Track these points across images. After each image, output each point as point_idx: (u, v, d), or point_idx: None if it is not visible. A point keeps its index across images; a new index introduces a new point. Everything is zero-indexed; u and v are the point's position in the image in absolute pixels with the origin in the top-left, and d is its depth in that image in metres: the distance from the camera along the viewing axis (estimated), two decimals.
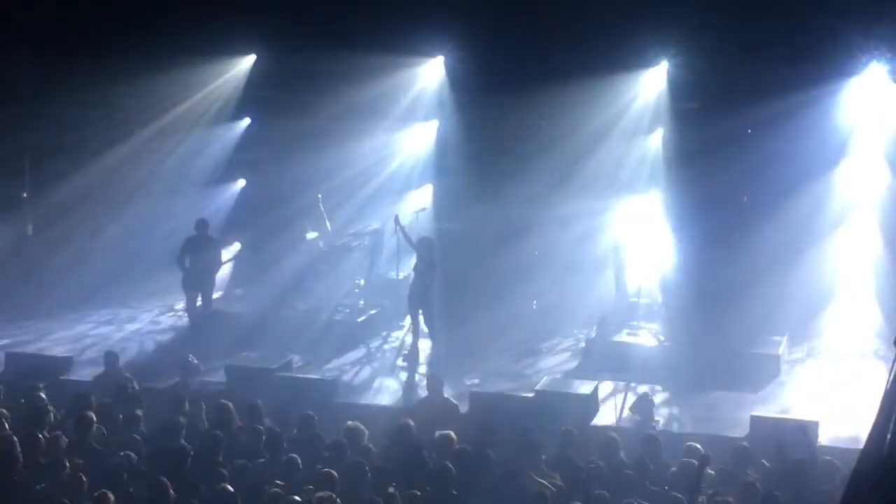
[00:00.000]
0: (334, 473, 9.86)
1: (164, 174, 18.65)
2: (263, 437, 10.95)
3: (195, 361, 14.79)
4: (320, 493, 9.26)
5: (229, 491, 9.54)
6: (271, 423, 11.50)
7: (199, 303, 16.46)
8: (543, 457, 10.79)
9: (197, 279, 16.14)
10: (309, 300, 16.76)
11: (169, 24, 17.12)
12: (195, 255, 16.03)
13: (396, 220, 16.19)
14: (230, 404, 11.78)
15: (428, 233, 16.58)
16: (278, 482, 9.96)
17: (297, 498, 9.46)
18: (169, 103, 18.21)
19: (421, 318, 15.63)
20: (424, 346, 15.74)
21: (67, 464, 10.09)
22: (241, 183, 18.93)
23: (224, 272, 17.28)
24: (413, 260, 15.94)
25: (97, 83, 17.49)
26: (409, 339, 15.99)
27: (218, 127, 18.75)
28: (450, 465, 10.15)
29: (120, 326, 17.22)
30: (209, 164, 18.81)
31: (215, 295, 16.96)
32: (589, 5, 15.82)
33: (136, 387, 12.89)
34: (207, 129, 18.70)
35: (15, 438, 10.50)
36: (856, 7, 14.97)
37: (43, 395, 12.12)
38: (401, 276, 17.19)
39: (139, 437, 11.10)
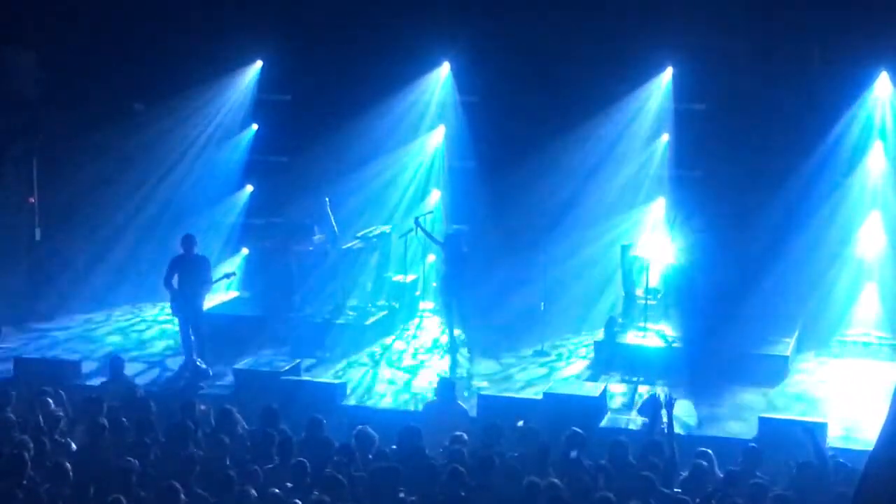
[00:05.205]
0: (342, 478, 9.87)
1: (175, 182, 18.63)
2: (276, 441, 10.95)
3: (203, 366, 14.81)
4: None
5: (238, 495, 9.54)
6: (285, 427, 11.50)
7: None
8: (551, 459, 10.79)
9: (185, 303, 15.01)
10: (317, 303, 16.76)
11: (176, 30, 17.26)
12: (183, 274, 14.99)
13: (417, 221, 16.27)
14: (233, 409, 11.80)
15: (437, 235, 16.70)
16: (288, 485, 9.98)
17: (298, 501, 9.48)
18: (178, 109, 18.21)
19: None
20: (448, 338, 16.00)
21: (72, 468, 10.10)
22: (249, 189, 18.92)
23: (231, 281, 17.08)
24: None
25: (106, 88, 17.57)
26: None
27: (229, 135, 18.76)
28: (460, 468, 10.15)
29: (128, 331, 17.23)
30: (220, 173, 18.79)
31: (223, 299, 16.96)
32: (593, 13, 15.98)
33: (143, 392, 12.90)
34: (220, 139, 18.73)
35: (28, 441, 10.55)
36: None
37: (52, 401, 12.15)
38: (408, 279, 17.22)
39: (150, 442, 11.11)
